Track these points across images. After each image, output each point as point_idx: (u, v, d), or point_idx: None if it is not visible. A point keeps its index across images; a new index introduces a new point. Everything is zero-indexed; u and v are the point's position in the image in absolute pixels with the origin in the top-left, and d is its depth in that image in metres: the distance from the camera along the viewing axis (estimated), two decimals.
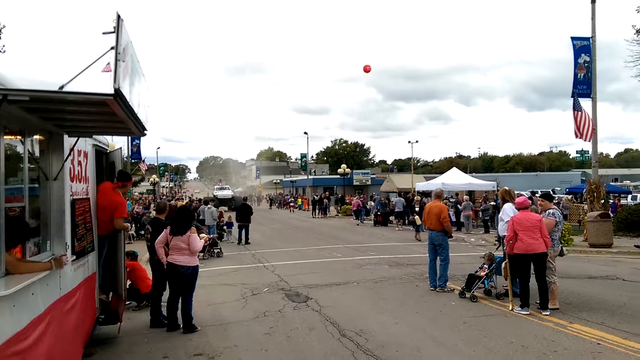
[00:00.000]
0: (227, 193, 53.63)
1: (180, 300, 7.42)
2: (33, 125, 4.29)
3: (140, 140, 35.81)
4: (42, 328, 4.25)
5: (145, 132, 5.13)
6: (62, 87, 3.09)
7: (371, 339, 6.62)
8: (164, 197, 54.71)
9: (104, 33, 3.15)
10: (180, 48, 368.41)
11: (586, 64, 17.82)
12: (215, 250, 16.17)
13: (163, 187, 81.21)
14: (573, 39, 18.01)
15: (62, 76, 3.55)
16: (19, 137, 4.14)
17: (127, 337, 7.14)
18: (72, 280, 5.33)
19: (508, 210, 8.66)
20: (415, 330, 7.02)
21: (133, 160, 38.55)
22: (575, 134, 16.86)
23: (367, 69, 22.18)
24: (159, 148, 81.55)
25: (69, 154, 5.00)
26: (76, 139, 5.09)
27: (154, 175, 55.79)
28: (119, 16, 3.09)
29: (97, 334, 7.22)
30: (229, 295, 9.69)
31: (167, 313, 7.57)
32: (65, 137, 5.08)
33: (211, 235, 16.76)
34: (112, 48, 3.11)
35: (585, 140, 16.90)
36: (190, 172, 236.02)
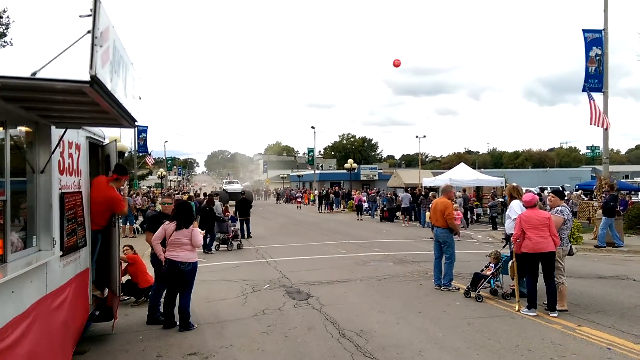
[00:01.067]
0: (236, 187, 53.40)
1: (177, 297, 7.25)
2: (15, 116, 4.09)
3: (146, 134, 35.87)
4: (25, 326, 4.09)
5: (135, 123, 4.94)
6: (34, 73, 2.89)
7: (371, 340, 6.40)
8: (170, 190, 54.73)
9: (80, 16, 2.94)
10: (189, 43, 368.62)
11: (597, 58, 17.42)
12: (236, 243, 16.56)
13: (171, 180, 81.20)
14: (584, 31, 17.60)
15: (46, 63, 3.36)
16: None
17: (123, 334, 6.98)
18: (61, 276, 5.16)
19: (515, 208, 8.39)
20: (417, 331, 6.80)
21: (140, 154, 38.57)
22: (591, 120, 16.51)
23: (396, 64, 21.75)
24: (166, 141, 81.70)
25: (56, 146, 4.81)
26: (64, 130, 4.89)
27: (161, 169, 55.84)
28: None
29: (92, 331, 7.09)
30: (228, 292, 9.51)
31: (164, 310, 7.38)
32: (54, 128, 4.90)
33: (233, 228, 17.09)
34: (88, 32, 2.89)
35: (603, 127, 16.63)
36: (198, 166, 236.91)
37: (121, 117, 4.28)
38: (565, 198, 21.01)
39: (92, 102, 3.58)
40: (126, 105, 4.19)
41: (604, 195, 16.18)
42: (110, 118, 4.35)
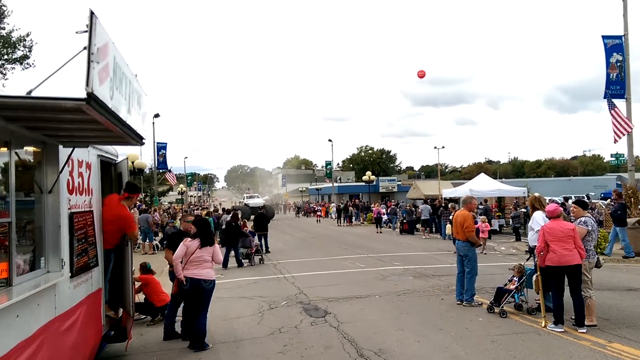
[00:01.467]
0: (258, 201, 53.16)
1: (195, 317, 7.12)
2: (19, 136, 4.04)
3: (166, 150, 36.19)
4: (32, 351, 3.99)
5: (143, 141, 4.87)
6: (30, 92, 2.81)
7: None
8: (192, 206, 55.09)
9: (77, 32, 2.87)
10: (207, 57, 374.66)
11: (619, 64, 17.02)
12: (257, 257, 16.69)
13: (191, 196, 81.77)
14: (604, 37, 17.24)
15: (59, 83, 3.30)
16: (3, 148, 3.89)
17: (137, 355, 6.89)
18: (71, 298, 5.08)
19: (538, 219, 8.10)
20: (438, 350, 6.53)
21: (160, 170, 38.92)
22: (615, 137, 16.21)
23: (421, 75, 21.48)
24: (186, 157, 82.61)
25: (64, 166, 4.75)
26: (71, 149, 4.84)
27: (181, 185, 56.24)
28: (92, 13, 2.79)
29: (107, 352, 7.00)
30: (245, 309, 9.35)
31: (187, 331, 7.29)
32: (62, 148, 4.85)
33: (256, 243, 17.16)
34: (84, 48, 2.81)
35: (621, 136, 16.29)
36: (218, 181, 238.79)
37: (127, 135, 4.20)
38: (590, 207, 20.42)
39: (94, 120, 3.50)
40: (131, 123, 4.11)
41: (612, 204, 15.74)
42: (116, 136, 4.27)
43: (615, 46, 17.48)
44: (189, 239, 7.17)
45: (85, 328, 5.45)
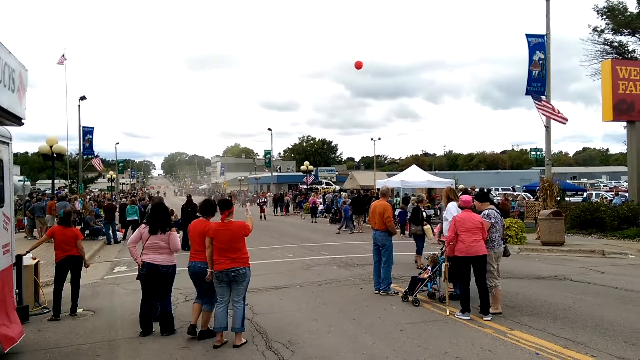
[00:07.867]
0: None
1: (159, 302, 7.17)
2: None
3: (93, 135, 34.38)
4: None
5: (22, 121, 4.45)
6: None
7: (298, 351, 6.07)
8: (122, 193, 52.79)
9: None
10: (142, 39, 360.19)
11: (541, 62, 17.79)
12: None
13: (122, 184, 78.32)
14: (528, 36, 17.95)
15: None
16: None
17: (29, 353, 6.41)
18: None
19: (452, 210, 8.29)
20: (347, 340, 6.51)
21: (90, 156, 36.97)
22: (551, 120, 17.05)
23: (358, 65, 20.81)
24: (117, 143, 78.52)
25: None
26: None
27: (111, 172, 53.91)
28: None
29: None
30: None
31: (140, 318, 7.05)
32: None
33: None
34: None
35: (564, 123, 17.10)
36: (155, 169, 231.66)
37: None
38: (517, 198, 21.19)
39: None
40: None
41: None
42: None
43: (538, 44, 18.24)
44: (143, 225, 7.15)
45: None
